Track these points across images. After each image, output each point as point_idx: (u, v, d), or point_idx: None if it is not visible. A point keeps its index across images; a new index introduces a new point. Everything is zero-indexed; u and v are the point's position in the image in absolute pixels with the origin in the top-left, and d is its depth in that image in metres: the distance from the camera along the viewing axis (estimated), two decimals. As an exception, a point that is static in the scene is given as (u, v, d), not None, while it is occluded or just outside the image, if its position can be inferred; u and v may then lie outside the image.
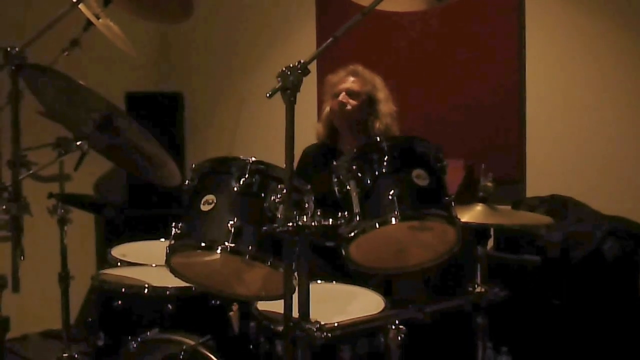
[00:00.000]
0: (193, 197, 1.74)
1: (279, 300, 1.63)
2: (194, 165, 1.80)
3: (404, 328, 1.86)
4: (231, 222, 1.64)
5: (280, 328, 1.78)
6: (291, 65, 1.52)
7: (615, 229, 2.85)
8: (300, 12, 3.97)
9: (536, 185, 3.28)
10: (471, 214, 2.01)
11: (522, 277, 2.88)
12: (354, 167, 1.71)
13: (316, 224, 1.60)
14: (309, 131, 2.79)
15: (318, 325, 1.63)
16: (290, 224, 1.55)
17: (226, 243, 1.64)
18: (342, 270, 1.98)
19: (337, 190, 1.73)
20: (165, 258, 1.76)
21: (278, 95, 1.55)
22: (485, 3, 3.34)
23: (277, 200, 1.66)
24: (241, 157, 1.74)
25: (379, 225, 1.65)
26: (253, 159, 1.73)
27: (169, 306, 2.07)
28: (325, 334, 1.64)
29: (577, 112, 3.22)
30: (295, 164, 1.63)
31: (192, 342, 1.93)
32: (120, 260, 2.36)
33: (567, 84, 3.25)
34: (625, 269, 2.80)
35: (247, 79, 4.18)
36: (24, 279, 1.99)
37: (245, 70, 4.21)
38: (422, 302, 1.91)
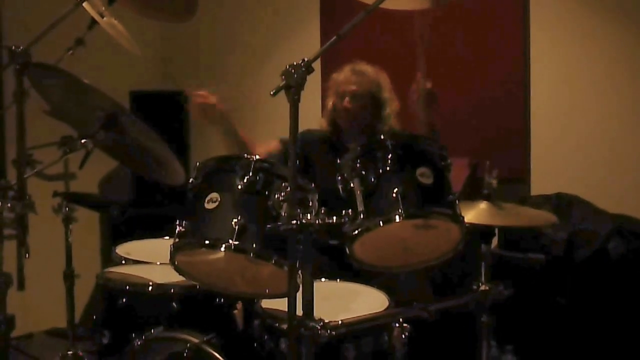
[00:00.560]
0: (197, 195, 1.75)
1: (283, 298, 1.63)
2: (198, 164, 1.80)
3: (409, 326, 1.85)
4: (235, 220, 1.65)
5: (285, 326, 1.79)
6: (295, 64, 1.52)
7: (621, 227, 2.85)
8: (304, 10, 3.97)
9: (541, 183, 3.28)
10: (476, 212, 2.01)
11: (526, 275, 2.87)
12: (358, 165, 1.70)
13: (320, 222, 1.60)
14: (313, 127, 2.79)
15: (322, 323, 1.63)
16: (294, 222, 1.55)
17: (230, 241, 1.64)
18: (348, 269, 1.98)
19: (341, 188, 1.73)
20: (169, 256, 1.76)
21: (282, 93, 1.55)
22: (491, 3, 3.34)
23: (281, 198, 1.66)
24: (245, 155, 1.74)
25: (383, 224, 1.65)
26: (257, 157, 1.73)
27: (174, 304, 2.07)
28: (329, 332, 1.64)
29: (582, 110, 3.22)
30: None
31: (196, 340, 1.93)
32: (125, 259, 2.37)
33: (571, 82, 3.25)
34: (631, 267, 2.79)
35: (252, 77, 4.18)
36: (29, 277, 2.00)
37: (249, 68, 4.21)
38: (427, 301, 1.91)
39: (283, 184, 1.67)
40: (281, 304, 1.68)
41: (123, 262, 2.36)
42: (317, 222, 1.58)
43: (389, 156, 1.69)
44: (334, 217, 1.64)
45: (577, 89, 3.23)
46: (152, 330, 2.02)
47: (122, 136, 2.11)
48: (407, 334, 1.85)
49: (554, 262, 2.87)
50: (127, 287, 2.12)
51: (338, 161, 1.76)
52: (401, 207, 1.63)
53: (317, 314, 1.64)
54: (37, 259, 2.06)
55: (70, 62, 2.21)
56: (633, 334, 2.73)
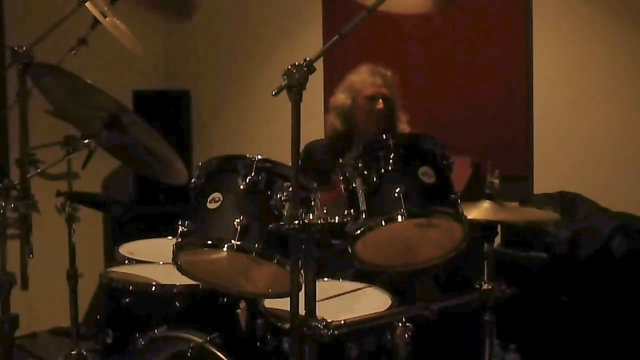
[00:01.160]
0: (200, 195, 1.75)
1: (285, 298, 1.63)
2: (200, 164, 1.80)
3: (411, 325, 1.85)
4: (237, 220, 1.65)
5: (287, 325, 1.79)
6: (297, 63, 1.52)
7: (624, 225, 2.84)
8: (306, 10, 3.97)
9: (543, 182, 3.28)
10: (478, 211, 2.01)
11: (530, 274, 2.87)
12: (360, 164, 1.70)
13: (322, 221, 1.60)
14: (315, 128, 2.79)
15: (324, 323, 1.63)
16: (297, 221, 1.55)
17: (233, 241, 1.64)
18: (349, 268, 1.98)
19: (344, 187, 1.73)
20: (172, 256, 1.76)
21: (284, 92, 1.55)
22: (493, 4, 3.34)
23: (283, 198, 1.67)
24: (247, 155, 1.74)
25: (385, 223, 1.65)
26: (259, 157, 1.73)
27: (177, 304, 2.07)
28: (331, 331, 1.64)
29: (585, 109, 3.21)
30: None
31: (199, 340, 1.93)
32: (128, 258, 2.37)
33: (574, 80, 3.24)
34: (634, 265, 2.79)
35: (254, 77, 4.18)
36: (32, 276, 2.01)
37: (251, 68, 4.22)
38: (430, 299, 1.90)
39: (285, 184, 1.68)
40: (284, 304, 1.68)
41: (126, 261, 2.37)
42: (319, 221, 1.58)
43: (391, 155, 1.69)
44: (336, 217, 1.64)
45: (580, 87, 3.23)
46: (156, 330, 2.03)
47: (124, 136, 2.12)
48: (410, 333, 1.85)
49: (557, 261, 2.86)
50: (131, 287, 2.13)
51: (340, 160, 1.76)
52: (403, 206, 1.63)
53: (319, 313, 1.65)
54: (40, 258, 2.07)
55: (72, 61, 2.21)
56: (636, 332, 2.73)
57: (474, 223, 1.87)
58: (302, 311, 1.61)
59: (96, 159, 2.24)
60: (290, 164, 1.58)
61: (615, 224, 2.85)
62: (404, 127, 2.71)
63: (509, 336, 2.51)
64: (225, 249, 1.66)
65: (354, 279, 2.19)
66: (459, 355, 2.48)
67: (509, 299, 2.05)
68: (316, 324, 1.62)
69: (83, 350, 2.50)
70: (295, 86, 1.51)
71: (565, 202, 3.04)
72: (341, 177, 1.73)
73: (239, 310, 1.99)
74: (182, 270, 1.80)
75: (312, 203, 1.69)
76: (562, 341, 2.77)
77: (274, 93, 1.53)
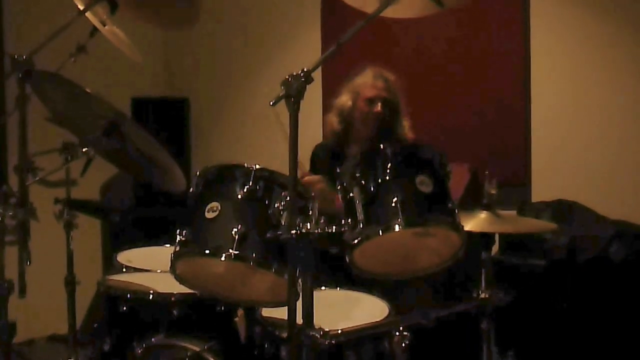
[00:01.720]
0: (198, 203, 1.75)
1: (283, 306, 1.63)
2: (198, 172, 1.81)
3: (409, 333, 1.86)
4: (235, 229, 1.65)
5: (285, 334, 1.79)
6: (295, 74, 1.52)
7: (621, 232, 2.85)
8: (305, 17, 3.98)
9: (541, 189, 3.28)
10: (475, 222, 2.01)
11: (528, 280, 2.87)
12: (358, 173, 1.71)
13: (320, 230, 1.60)
14: (313, 136, 2.80)
15: (322, 332, 1.63)
16: (294, 230, 1.56)
17: (230, 250, 1.65)
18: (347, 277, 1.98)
19: (341, 196, 1.74)
20: (170, 265, 1.76)
21: (283, 100, 1.55)
22: (491, 8, 3.35)
23: (281, 207, 1.67)
24: (245, 164, 1.74)
25: (382, 232, 1.65)
26: (257, 165, 1.73)
27: (174, 312, 2.08)
28: (329, 340, 1.64)
29: (582, 116, 3.22)
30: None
31: (197, 348, 1.94)
32: (126, 266, 2.37)
33: (572, 88, 3.25)
34: (632, 272, 2.79)
35: (253, 84, 4.19)
36: (30, 283, 2.00)
37: (250, 76, 4.23)
38: (427, 307, 1.91)
39: (283, 193, 1.68)
40: (282, 312, 1.69)
41: (124, 269, 2.37)
42: (317, 230, 1.58)
43: (389, 164, 1.69)
44: (334, 226, 1.64)
45: (578, 94, 3.24)
46: (153, 338, 2.03)
47: (123, 143, 2.12)
48: (407, 341, 1.85)
49: (555, 267, 2.87)
50: (128, 295, 2.13)
51: (338, 169, 1.76)
52: (401, 215, 1.63)
53: (317, 322, 1.65)
54: (38, 265, 2.07)
55: (72, 68, 2.21)
56: (634, 338, 2.73)
57: (471, 233, 1.88)
58: (299, 320, 1.61)
59: (95, 166, 2.24)
60: (288, 172, 1.58)
61: (613, 230, 2.86)
62: (405, 133, 2.69)
63: (507, 343, 2.50)
64: (223, 257, 1.66)
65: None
66: (457, 362, 2.48)
67: (508, 306, 2.05)
68: (314, 332, 1.62)
69: (80, 358, 2.49)
70: (293, 96, 1.52)
71: (563, 209, 3.05)
72: (339, 186, 1.74)
73: (236, 319, 1.99)
74: (179, 279, 1.80)
75: (310, 212, 1.69)
76: (561, 348, 2.77)
77: (271, 103, 1.53)
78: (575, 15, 3.23)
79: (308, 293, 1.61)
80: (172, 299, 2.08)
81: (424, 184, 1.69)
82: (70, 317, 2.50)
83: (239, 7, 4.30)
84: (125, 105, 3.93)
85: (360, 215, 1.67)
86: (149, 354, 1.99)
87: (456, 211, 1.72)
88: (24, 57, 1.92)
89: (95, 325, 2.26)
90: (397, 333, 1.84)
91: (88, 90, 2.00)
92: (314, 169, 2.67)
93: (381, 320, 1.92)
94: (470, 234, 1.78)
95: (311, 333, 1.61)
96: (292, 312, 1.57)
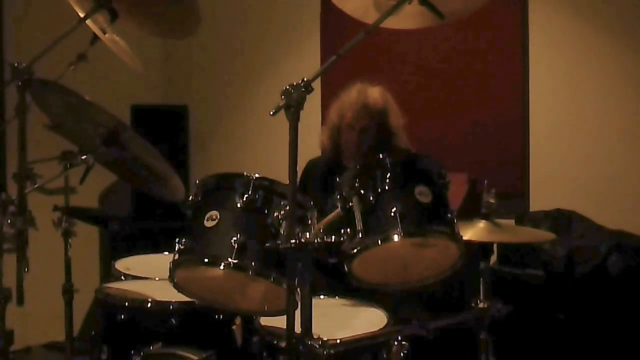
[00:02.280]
0: (197, 212, 1.75)
1: (281, 316, 1.63)
2: (197, 181, 1.81)
3: (407, 344, 1.85)
4: (234, 238, 1.65)
5: (283, 343, 1.79)
6: (295, 84, 1.53)
7: (620, 243, 2.85)
8: (305, 26, 3.99)
9: (540, 199, 3.29)
10: (474, 231, 2.01)
11: (526, 291, 2.87)
12: (357, 183, 1.71)
13: (319, 240, 1.60)
14: (312, 145, 2.80)
15: (321, 342, 1.63)
16: (293, 240, 1.56)
17: (229, 259, 1.65)
18: (346, 286, 1.98)
19: (340, 206, 1.74)
20: (169, 273, 1.76)
21: (282, 110, 1.56)
22: (490, 18, 3.36)
23: (280, 216, 1.67)
24: (245, 173, 1.75)
25: (381, 242, 1.65)
26: (256, 175, 1.73)
27: (173, 320, 2.07)
28: (327, 350, 1.64)
29: (581, 127, 3.23)
30: (298, 175, 1.64)
31: (195, 357, 1.93)
32: (124, 274, 2.37)
33: (570, 99, 3.26)
34: (630, 283, 2.79)
35: (252, 93, 4.20)
36: (27, 291, 2.00)
37: (250, 84, 4.23)
38: (426, 318, 1.91)
39: (282, 202, 1.68)
40: (280, 321, 1.68)
41: (122, 277, 2.36)
42: (316, 240, 1.58)
43: (388, 175, 1.70)
44: (333, 236, 1.64)
45: (576, 105, 3.25)
46: (151, 347, 2.02)
47: (122, 152, 2.12)
48: (405, 351, 1.85)
49: (554, 278, 2.87)
50: (126, 303, 2.13)
51: (337, 179, 1.77)
52: (400, 225, 1.63)
53: (315, 331, 1.65)
54: (35, 272, 2.06)
55: (71, 76, 2.22)
56: (633, 350, 2.73)
57: (470, 243, 1.88)
58: (298, 329, 1.61)
59: (93, 174, 2.24)
60: (288, 181, 1.59)
61: (611, 242, 2.86)
62: (401, 144, 2.67)
63: (505, 354, 2.50)
64: (222, 266, 1.66)
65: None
66: (455, 373, 2.48)
67: (506, 317, 2.05)
68: (312, 342, 1.62)
69: (77, 366, 2.49)
70: (293, 106, 1.52)
71: (562, 219, 3.05)
72: (338, 196, 1.74)
73: (234, 327, 1.99)
74: (178, 287, 1.80)
75: (309, 221, 1.69)
76: (559, 359, 2.77)
77: (271, 113, 1.54)
78: (573, 26, 3.25)
79: (307, 302, 1.61)
80: (171, 307, 2.07)
81: (423, 194, 1.69)
82: (68, 325, 2.49)
83: (239, 16, 4.31)
84: (125, 113, 3.93)
85: (359, 225, 1.67)
86: (146, 362, 1.99)
87: (455, 221, 1.72)
88: (24, 65, 1.92)
89: (93, 333, 2.25)
90: (396, 343, 1.84)
91: (87, 98, 2.01)
92: (304, 185, 2.66)
93: (380, 329, 1.92)
94: (467, 244, 1.78)
95: (310, 342, 1.61)
96: (290, 321, 1.56)
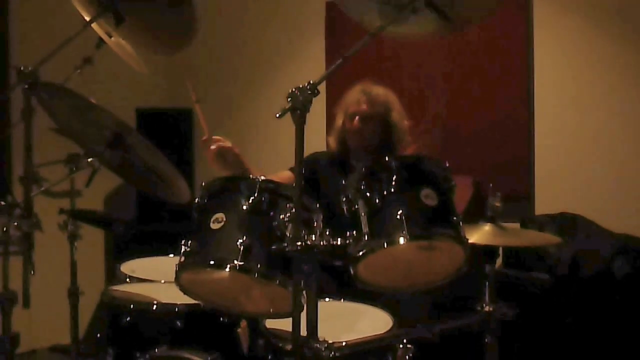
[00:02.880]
0: (203, 215, 1.75)
1: (287, 318, 1.63)
2: (203, 184, 1.81)
3: (413, 347, 1.85)
4: (240, 241, 1.65)
5: (289, 346, 1.79)
6: (301, 86, 1.53)
7: (625, 246, 2.85)
8: (309, 29, 4.00)
9: (545, 202, 3.28)
10: (479, 235, 2.01)
11: (531, 295, 2.87)
12: (363, 186, 1.71)
13: (325, 243, 1.60)
14: (318, 148, 2.80)
15: (326, 345, 1.63)
16: (299, 243, 1.56)
17: (235, 261, 1.65)
18: (350, 288, 1.98)
19: (346, 209, 1.74)
20: (174, 275, 1.76)
21: (288, 112, 1.56)
22: (494, 21, 3.36)
23: (286, 218, 1.67)
24: (250, 175, 1.75)
25: (387, 245, 1.65)
26: (262, 177, 1.74)
27: (178, 323, 2.07)
28: (333, 353, 1.63)
29: (586, 129, 3.23)
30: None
31: (200, 359, 1.93)
32: (130, 277, 2.37)
33: (575, 101, 3.26)
34: (636, 286, 2.79)
35: (256, 96, 4.21)
36: (33, 293, 2.00)
37: (254, 87, 4.24)
38: (431, 321, 1.90)
39: (288, 205, 1.68)
40: (285, 324, 1.68)
41: (127, 280, 2.36)
42: (321, 243, 1.58)
43: (394, 177, 1.70)
44: (339, 238, 1.64)
45: (581, 108, 3.24)
46: (156, 349, 2.02)
47: (128, 155, 2.12)
48: (411, 354, 1.85)
49: (559, 282, 2.86)
50: (132, 306, 2.13)
51: (343, 181, 1.77)
52: (405, 228, 1.63)
53: (321, 334, 1.64)
54: (41, 275, 2.07)
55: (76, 80, 2.22)
56: (638, 353, 2.72)
57: (475, 246, 1.88)
58: (303, 332, 1.61)
59: (99, 177, 2.24)
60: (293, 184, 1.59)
61: (617, 245, 2.85)
62: (403, 145, 2.67)
63: (511, 357, 2.49)
64: (227, 269, 1.66)
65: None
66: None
67: (511, 320, 2.04)
68: (318, 345, 1.62)
69: (83, 369, 2.49)
70: (299, 109, 1.52)
71: (567, 222, 3.05)
72: (344, 199, 1.74)
73: (240, 330, 1.99)
74: (184, 289, 1.80)
75: (315, 224, 1.69)
76: (564, 363, 2.76)
77: (278, 115, 1.54)
78: (578, 29, 3.24)
79: (312, 305, 1.61)
80: (176, 310, 2.07)
81: (429, 197, 1.69)
82: (73, 327, 2.49)
83: (243, 19, 4.32)
84: (130, 116, 3.94)
85: (365, 228, 1.67)
86: (152, 365, 1.99)
87: (461, 225, 1.72)
88: (30, 69, 1.93)
89: (99, 336, 2.25)
90: (401, 346, 1.84)
91: (93, 101, 2.01)
92: (312, 178, 2.65)
93: (386, 332, 1.91)
94: (473, 247, 1.78)
95: (315, 345, 1.60)
96: (296, 324, 1.56)
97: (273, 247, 1.63)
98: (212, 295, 1.84)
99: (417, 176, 1.73)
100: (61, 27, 2.10)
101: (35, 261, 1.98)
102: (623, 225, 3.00)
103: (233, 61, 4.37)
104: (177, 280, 1.77)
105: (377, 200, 1.69)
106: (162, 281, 2.29)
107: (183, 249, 1.74)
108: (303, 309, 1.61)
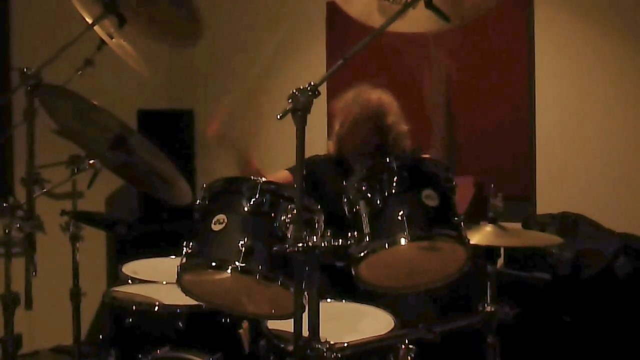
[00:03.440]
0: (204, 216, 1.76)
1: (289, 319, 1.64)
2: (205, 185, 1.81)
3: (414, 347, 1.85)
4: (242, 242, 1.65)
5: (291, 347, 1.79)
6: (301, 87, 1.53)
7: (627, 246, 2.85)
8: (310, 31, 4.00)
9: (547, 202, 3.28)
10: (481, 235, 2.01)
11: (533, 294, 2.87)
12: (364, 187, 1.71)
13: (326, 243, 1.60)
14: (318, 150, 2.80)
15: (328, 345, 1.63)
16: (301, 243, 1.56)
17: (237, 262, 1.65)
18: (350, 290, 1.98)
19: (347, 210, 1.74)
20: (176, 277, 1.77)
21: (289, 113, 1.56)
22: (495, 21, 3.36)
23: (287, 220, 1.67)
24: (252, 177, 1.75)
25: (388, 246, 1.65)
26: (264, 178, 1.74)
27: (180, 324, 2.08)
28: (335, 353, 1.64)
29: (587, 129, 3.23)
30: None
31: (202, 360, 1.94)
32: (132, 278, 2.38)
33: (577, 101, 3.26)
34: (637, 286, 2.79)
35: (258, 97, 4.21)
36: (35, 294, 2.01)
37: (255, 88, 4.24)
38: (432, 321, 1.91)
39: (289, 206, 1.68)
40: (287, 324, 1.69)
41: (129, 281, 2.37)
42: (323, 244, 1.59)
43: (395, 178, 1.70)
44: (340, 239, 1.64)
45: (582, 107, 3.25)
46: (158, 350, 2.03)
47: (129, 156, 2.13)
48: (412, 355, 1.85)
49: (560, 281, 2.86)
50: (134, 307, 2.13)
51: (344, 183, 1.77)
52: (407, 229, 1.64)
53: (322, 334, 1.65)
54: (43, 276, 2.07)
55: (78, 81, 2.23)
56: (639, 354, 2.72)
57: (476, 246, 1.88)
58: (305, 332, 1.61)
59: (100, 178, 2.25)
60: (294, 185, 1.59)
61: (618, 244, 2.86)
62: (400, 149, 2.66)
63: (512, 357, 2.50)
64: (229, 270, 1.66)
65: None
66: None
67: (513, 320, 2.05)
68: (319, 345, 1.62)
69: (85, 370, 2.49)
70: (300, 110, 1.53)
71: (568, 222, 3.05)
72: (345, 200, 1.74)
73: (241, 331, 1.99)
74: (185, 291, 1.80)
75: (316, 225, 1.70)
76: (565, 363, 2.76)
77: (279, 117, 1.54)
78: (579, 29, 3.25)
79: (314, 306, 1.61)
80: (178, 310, 2.08)
81: (430, 197, 1.69)
82: (75, 328, 2.50)
83: (244, 19, 4.32)
84: (132, 117, 3.95)
85: (366, 229, 1.67)
86: (154, 366, 1.99)
87: (462, 225, 1.72)
88: (33, 70, 1.93)
89: (101, 337, 2.25)
90: (403, 346, 1.84)
91: (95, 103, 2.02)
92: (312, 180, 2.65)
93: (387, 333, 1.92)
94: (475, 248, 1.78)
95: (317, 346, 1.61)
96: (298, 325, 1.57)
97: (275, 248, 1.63)
98: (213, 297, 1.85)
99: (418, 177, 1.73)
100: (62, 29, 2.10)
101: (38, 262, 1.99)
102: (625, 224, 3.00)
103: (234, 62, 4.37)
104: (179, 281, 1.77)
105: (378, 201, 1.69)
106: (164, 282, 2.30)
107: (184, 250, 1.74)
108: (305, 310, 1.61)
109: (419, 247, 1.73)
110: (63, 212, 2.50)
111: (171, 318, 2.08)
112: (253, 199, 1.70)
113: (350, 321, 2.05)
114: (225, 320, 2.05)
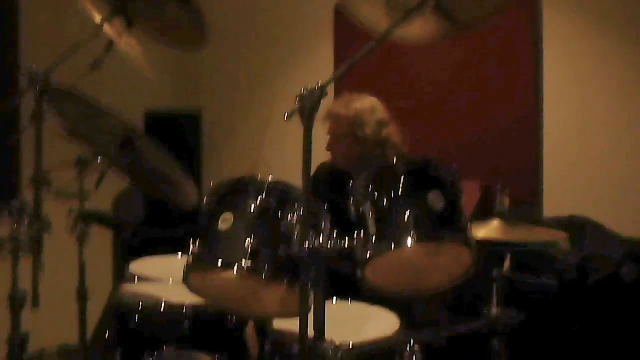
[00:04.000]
0: (211, 216, 1.76)
1: (294, 319, 1.64)
2: (212, 185, 1.82)
3: (420, 349, 1.85)
4: (248, 242, 1.66)
5: (296, 348, 1.79)
6: (309, 88, 1.53)
7: (634, 251, 2.83)
8: (318, 32, 4.01)
9: (553, 206, 3.27)
10: (487, 230, 2.01)
11: (539, 300, 2.86)
12: (370, 189, 1.72)
13: (332, 245, 1.61)
14: (325, 150, 2.81)
15: (334, 346, 1.63)
16: (307, 245, 1.56)
17: (243, 262, 1.65)
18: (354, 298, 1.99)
19: (354, 212, 1.74)
20: (183, 277, 1.77)
21: (296, 115, 1.57)
22: (501, 23, 3.36)
23: (294, 220, 1.67)
24: (258, 177, 1.76)
25: (394, 248, 1.65)
26: (270, 179, 1.75)
27: (185, 324, 2.08)
28: (340, 354, 1.64)
29: (595, 133, 3.22)
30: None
31: (208, 360, 1.94)
32: (138, 277, 2.38)
33: (583, 104, 3.25)
34: (644, 292, 2.78)
35: (265, 98, 4.22)
36: (42, 294, 2.02)
37: (262, 90, 4.25)
38: (438, 325, 1.91)
39: (296, 207, 1.69)
40: (293, 325, 1.69)
41: (136, 279, 2.38)
42: (329, 245, 1.59)
43: (401, 180, 1.70)
44: (346, 241, 1.64)
45: (590, 110, 3.24)
46: (164, 350, 2.03)
47: (136, 158, 2.14)
48: (418, 357, 1.85)
49: (567, 287, 2.85)
50: (140, 306, 2.14)
51: (351, 184, 1.77)
52: (413, 231, 1.64)
53: (328, 335, 1.65)
54: (49, 276, 2.08)
55: (86, 83, 2.24)
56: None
57: (483, 246, 1.87)
58: (311, 333, 1.61)
59: (107, 179, 2.25)
60: (301, 186, 1.60)
61: (625, 250, 2.84)
62: (391, 151, 2.66)
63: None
64: (235, 270, 1.67)
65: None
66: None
67: (518, 325, 2.04)
68: (325, 346, 1.62)
69: (91, 369, 2.50)
70: (307, 110, 1.53)
71: (575, 226, 3.04)
72: (351, 202, 1.74)
73: (247, 331, 2.00)
74: (192, 290, 1.81)
75: (322, 226, 1.70)
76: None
77: (286, 117, 1.54)
78: (587, 33, 3.24)
79: (320, 307, 1.62)
80: (184, 310, 2.08)
81: (437, 200, 1.69)
82: (82, 328, 2.50)
83: (252, 22, 4.33)
84: (138, 119, 3.96)
85: (372, 231, 1.67)
86: (160, 366, 2.00)
87: (468, 228, 1.72)
88: (42, 73, 1.94)
89: (107, 336, 2.26)
90: (409, 348, 1.84)
91: (102, 105, 2.03)
92: (316, 189, 2.66)
93: (392, 334, 1.92)
94: (481, 251, 1.78)
95: (323, 347, 1.61)
96: (303, 326, 1.57)
97: (281, 250, 1.63)
98: (220, 296, 1.85)
99: (424, 179, 1.73)
100: (70, 31, 2.11)
101: (45, 262, 2.00)
102: (632, 229, 2.99)
103: (241, 64, 4.38)
104: (186, 280, 1.77)
105: (384, 203, 1.69)
106: (170, 280, 2.30)
107: (191, 250, 1.75)
108: (310, 311, 1.61)
109: (425, 250, 1.73)
110: (70, 212, 2.51)
111: (177, 318, 2.09)
112: (260, 200, 1.70)
113: (356, 322, 2.05)
114: (231, 320, 2.05)
